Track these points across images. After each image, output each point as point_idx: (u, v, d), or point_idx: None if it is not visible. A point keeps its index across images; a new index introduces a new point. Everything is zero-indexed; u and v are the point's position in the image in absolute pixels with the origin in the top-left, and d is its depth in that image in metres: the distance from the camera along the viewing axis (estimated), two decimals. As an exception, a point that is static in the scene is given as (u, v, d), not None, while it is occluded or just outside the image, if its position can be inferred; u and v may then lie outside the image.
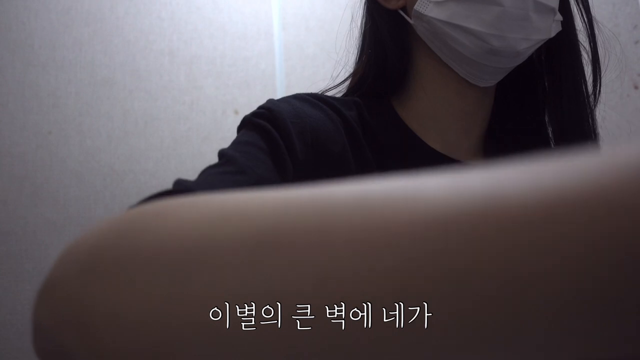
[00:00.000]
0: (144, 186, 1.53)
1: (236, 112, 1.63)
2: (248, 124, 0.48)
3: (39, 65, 1.49)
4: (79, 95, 1.51)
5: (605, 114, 1.31)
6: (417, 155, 0.52)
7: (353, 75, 0.59)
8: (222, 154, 0.45)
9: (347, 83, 0.59)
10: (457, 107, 0.53)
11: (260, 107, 0.49)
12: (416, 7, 0.50)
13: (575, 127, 0.51)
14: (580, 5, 0.53)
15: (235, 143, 0.46)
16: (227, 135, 1.61)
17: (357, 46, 0.60)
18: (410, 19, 0.52)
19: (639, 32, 1.20)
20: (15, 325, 1.38)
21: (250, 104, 1.66)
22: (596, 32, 0.52)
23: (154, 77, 1.59)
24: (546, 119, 0.55)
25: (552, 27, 0.49)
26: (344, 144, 0.49)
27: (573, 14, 0.52)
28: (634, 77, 1.21)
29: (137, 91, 1.57)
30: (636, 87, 1.21)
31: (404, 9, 0.53)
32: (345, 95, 0.58)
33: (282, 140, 0.45)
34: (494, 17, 0.46)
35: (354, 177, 0.46)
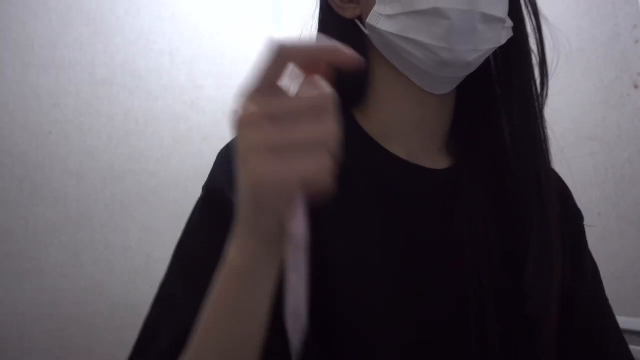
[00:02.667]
0: (144, 186, 1.53)
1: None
2: (200, 206, 0.52)
3: (39, 65, 1.49)
4: (79, 95, 1.51)
5: (606, 113, 1.32)
6: (382, 165, 0.53)
7: None
8: (179, 257, 0.50)
9: None
10: (416, 114, 0.54)
11: (208, 189, 0.52)
12: (368, 20, 0.50)
13: (524, 126, 0.53)
14: (530, 10, 0.54)
15: (192, 233, 0.51)
16: (227, 135, 1.61)
17: None
18: (365, 29, 0.52)
19: (639, 32, 1.20)
20: (15, 325, 1.38)
21: (251, 104, 1.66)
22: (545, 34, 0.54)
23: (154, 77, 1.59)
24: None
25: (502, 35, 0.50)
26: None
27: (524, 17, 0.54)
28: (634, 76, 1.21)
29: (137, 91, 1.57)
30: (636, 87, 1.21)
31: (360, 18, 0.53)
32: None
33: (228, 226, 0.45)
34: (443, 30, 0.47)
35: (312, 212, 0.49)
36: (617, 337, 0.60)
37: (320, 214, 0.49)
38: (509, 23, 0.51)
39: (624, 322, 1.19)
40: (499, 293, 0.50)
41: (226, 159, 0.52)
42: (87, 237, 1.47)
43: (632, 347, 1.19)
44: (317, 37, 0.58)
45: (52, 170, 1.46)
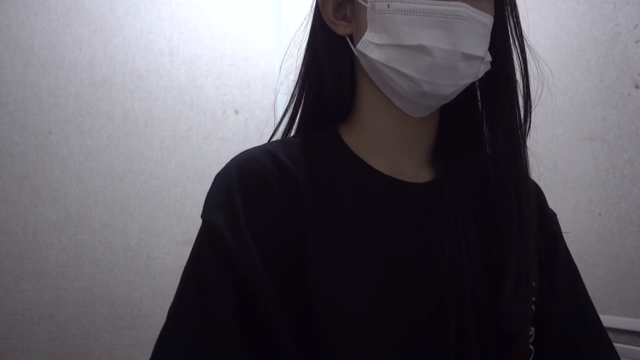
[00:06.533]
0: (144, 186, 1.53)
1: (236, 112, 1.63)
2: (197, 262, 0.52)
3: (39, 65, 1.49)
4: (79, 95, 1.51)
5: (606, 113, 1.31)
6: (365, 180, 0.55)
7: (295, 105, 0.62)
8: (172, 323, 0.50)
9: (291, 112, 0.62)
10: (399, 133, 0.57)
11: (203, 222, 0.52)
12: (358, 46, 0.53)
13: (507, 148, 0.56)
14: (517, 44, 0.57)
15: (191, 276, 0.51)
16: (227, 135, 1.61)
17: (298, 75, 0.62)
18: (355, 51, 0.55)
19: (640, 32, 1.20)
20: (15, 325, 1.38)
21: (250, 104, 1.66)
22: (529, 68, 0.58)
23: (154, 77, 1.58)
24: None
25: (480, 70, 0.53)
26: (278, 201, 0.52)
27: (511, 49, 0.57)
28: (635, 76, 1.21)
29: (137, 91, 1.56)
30: (637, 87, 1.21)
31: (350, 36, 0.56)
32: (290, 120, 0.62)
33: (221, 256, 0.49)
34: (426, 65, 0.50)
35: (295, 232, 0.50)
36: (596, 338, 0.61)
37: (305, 228, 0.51)
38: (488, 58, 0.54)
39: (624, 322, 1.19)
40: (478, 306, 0.52)
41: (218, 185, 0.54)
42: (87, 237, 1.47)
43: (632, 348, 1.19)
44: (306, 50, 0.61)
45: (52, 171, 1.46)
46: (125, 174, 1.52)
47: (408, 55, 0.50)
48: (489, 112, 0.58)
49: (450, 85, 0.52)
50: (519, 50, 0.57)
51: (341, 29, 0.56)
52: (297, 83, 0.62)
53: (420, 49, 0.50)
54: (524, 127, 0.57)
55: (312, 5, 0.60)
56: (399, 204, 0.55)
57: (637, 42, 1.21)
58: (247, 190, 0.52)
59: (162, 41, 1.60)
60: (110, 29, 1.56)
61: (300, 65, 0.62)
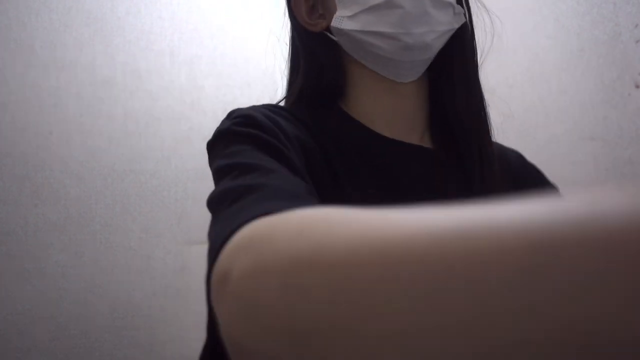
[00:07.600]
0: (144, 186, 1.53)
1: (237, 112, 1.63)
2: (230, 135, 0.50)
3: (39, 65, 1.49)
4: (80, 96, 1.51)
5: (606, 113, 1.31)
6: (373, 143, 0.57)
7: (289, 96, 0.64)
8: (231, 165, 0.44)
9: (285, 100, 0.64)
10: (393, 104, 0.59)
11: (235, 117, 0.51)
12: (332, 23, 0.56)
13: (461, 89, 0.59)
14: None
15: (230, 154, 0.47)
16: (228, 135, 1.61)
17: (288, 69, 0.65)
18: (334, 37, 0.58)
19: (640, 32, 1.20)
20: (16, 325, 1.38)
21: (251, 104, 1.66)
22: (474, 17, 0.62)
23: (155, 77, 1.59)
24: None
25: (454, 19, 0.56)
26: (313, 146, 0.53)
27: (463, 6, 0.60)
28: (635, 76, 1.21)
29: (137, 91, 1.57)
30: (637, 86, 1.21)
31: (328, 29, 0.58)
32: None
33: (279, 144, 0.47)
34: (398, 18, 0.53)
35: (326, 176, 0.50)
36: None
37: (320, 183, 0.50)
38: (459, 9, 0.57)
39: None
40: None
41: (237, 112, 0.54)
42: (87, 237, 1.47)
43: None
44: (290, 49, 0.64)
45: (53, 171, 1.46)
46: (125, 174, 1.52)
47: (380, 14, 0.53)
48: (449, 70, 0.61)
49: (428, 32, 0.54)
50: (464, 3, 0.59)
51: (319, 26, 0.59)
52: (292, 82, 0.64)
53: (389, 4, 0.53)
54: (475, 68, 0.60)
55: (285, 12, 0.63)
56: (406, 164, 0.57)
57: (637, 42, 1.21)
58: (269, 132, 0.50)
59: (163, 41, 1.61)
60: (111, 29, 1.56)
61: (290, 64, 0.65)
